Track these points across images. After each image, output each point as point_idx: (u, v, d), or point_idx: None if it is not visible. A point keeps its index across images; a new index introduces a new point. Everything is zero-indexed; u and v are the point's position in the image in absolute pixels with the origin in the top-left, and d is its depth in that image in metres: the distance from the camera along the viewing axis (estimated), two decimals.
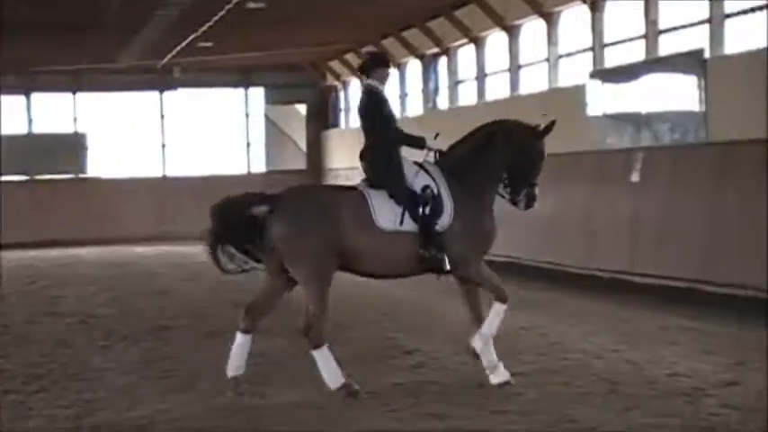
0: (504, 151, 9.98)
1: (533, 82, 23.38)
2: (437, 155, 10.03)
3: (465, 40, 26.22)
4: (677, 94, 17.06)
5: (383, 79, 10.05)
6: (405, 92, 31.51)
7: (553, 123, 10.10)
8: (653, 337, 12.16)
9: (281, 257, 9.46)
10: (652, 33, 18.45)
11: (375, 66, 10.01)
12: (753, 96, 14.61)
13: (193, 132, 37.85)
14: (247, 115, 38.21)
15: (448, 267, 9.67)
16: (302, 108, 38.84)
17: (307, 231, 9.35)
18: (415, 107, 30.84)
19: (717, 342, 11.58)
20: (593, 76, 19.90)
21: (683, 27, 17.83)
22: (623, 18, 19.69)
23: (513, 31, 23.90)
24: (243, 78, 37.77)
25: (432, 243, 9.55)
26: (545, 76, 22.48)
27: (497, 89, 25.26)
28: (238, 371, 9.56)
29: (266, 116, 38.42)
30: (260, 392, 9.68)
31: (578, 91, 20.19)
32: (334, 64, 35.90)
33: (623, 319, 13.73)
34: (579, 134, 19.95)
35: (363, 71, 10.07)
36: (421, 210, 9.54)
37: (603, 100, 19.40)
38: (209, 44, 28.88)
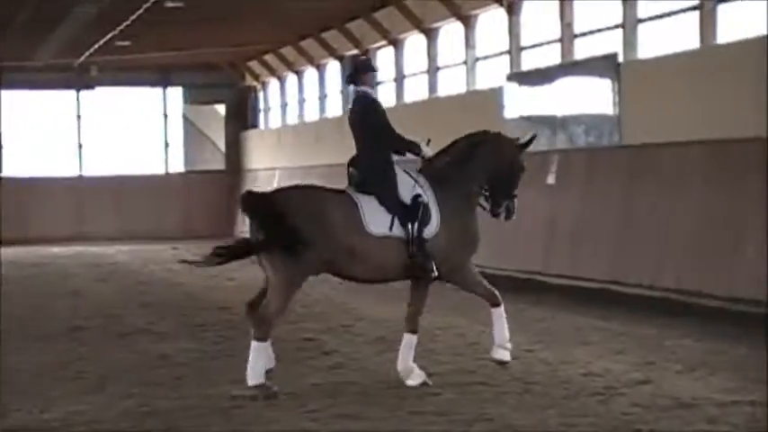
0: (486, 162, 10.12)
1: (451, 84, 23.54)
2: (422, 163, 10.12)
3: (384, 42, 26.32)
4: (592, 97, 17.31)
5: (371, 84, 10.20)
6: (324, 93, 31.51)
7: (533, 137, 10.38)
8: (567, 337, 12.33)
9: (263, 254, 9.51)
10: (567, 37, 18.71)
11: (363, 72, 10.08)
12: (665, 100, 14.88)
13: (111, 132, 37.50)
14: (165, 115, 37.97)
15: (435, 274, 9.81)
16: (221, 108, 38.65)
17: (292, 237, 9.32)
18: (334, 108, 30.85)
19: (628, 342, 11.76)
20: (509, 78, 20.10)
21: (598, 31, 18.10)
22: (539, 22, 19.92)
23: (431, 34, 24.05)
24: (161, 78, 37.50)
25: (420, 250, 9.66)
26: (463, 79, 22.65)
27: (416, 91, 25.39)
28: (260, 378, 9.48)
29: (185, 116, 38.22)
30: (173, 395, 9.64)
31: (495, 93, 20.39)
32: (254, 64, 35.81)
33: (538, 319, 13.88)
34: None
35: (352, 80, 10.12)
36: (411, 218, 9.64)
37: (520, 103, 19.61)
38: (126, 43, 28.67)
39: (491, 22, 21.70)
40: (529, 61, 20.33)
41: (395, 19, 24.93)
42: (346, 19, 27.16)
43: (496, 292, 10.25)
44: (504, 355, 10.16)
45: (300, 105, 33.57)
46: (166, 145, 38.02)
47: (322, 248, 9.43)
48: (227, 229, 35.69)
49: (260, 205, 9.62)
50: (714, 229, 14.03)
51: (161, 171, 37.87)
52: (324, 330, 13.44)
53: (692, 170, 14.49)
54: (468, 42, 22.36)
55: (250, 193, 9.93)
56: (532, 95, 19.23)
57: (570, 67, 18.24)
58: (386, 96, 27.27)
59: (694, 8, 15.41)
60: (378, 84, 27.57)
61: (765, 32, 13.88)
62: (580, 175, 17.40)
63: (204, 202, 36.79)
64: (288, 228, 9.31)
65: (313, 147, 30.79)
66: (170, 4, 22.85)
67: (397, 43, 25.96)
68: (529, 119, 19.31)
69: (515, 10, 20.42)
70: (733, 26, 14.89)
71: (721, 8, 15.07)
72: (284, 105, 35.15)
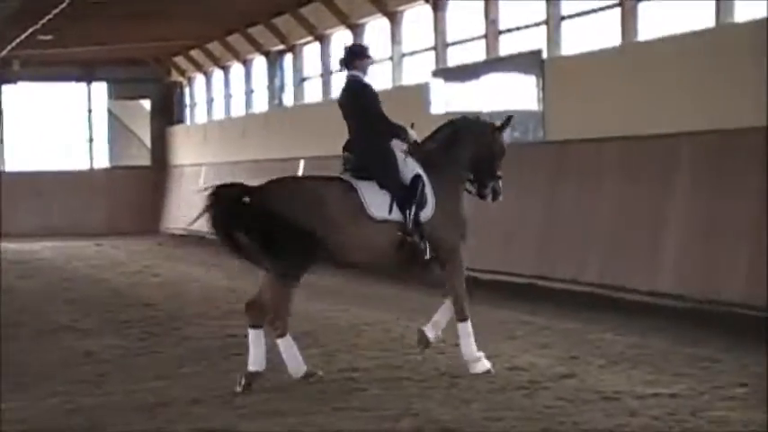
0: (469, 146, 10.33)
1: (377, 80, 23.55)
2: (410, 147, 10.16)
3: (310, 38, 26.29)
4: (517, 93, 17.44)
5: (365, 70, 10.19)
6: (250, 89, 31.40)
7: (510, 118, 10.61)
8: (493, 331, 12.38)
9: (263, 248, 9.56)
10: (492, 33, 18.83)
11: (354, 57, 10.14)
12: (588, 96, 15.03)
13: (34, 127, 37.04)
14: (90, 110, 37.56)
15: (428, 256, 9.89)
16: (146, 104, 38.35)
17: (291, 227, 9.38)
18: (260, 104, 30.75)
19: (553, 336, 11.88)
20: (435, 74, 20.18)
21: (522, 28, 18.25)
22: (465, 18, 20.02)
23: (357, 30, 24.06)
24: (85, 73, 37.12)
25: (417, 232, 9.76)
26: (389, 75, 22.69)
27: (343, 86, 25.35)
28: (259, 366, 9.59)
29: (109, 111, 37.84)
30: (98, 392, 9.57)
31: (421, 89, 20.46)
32: (179, 59, 35.59)
33: None
34: (422, 132, 20.16)
35: (344, 64, 10.17)
36: (411, 199, 9.76)
37: (446, 98, 19.69)
38: (49, 37, 28.30)
39: (417, 18, 21.77)
40: (454, 57, 20.43)
41: (321, 14, 24.91)
42: (272, 14, 27.09)
43: (466, 305, 10.24)
44: (480, 366, 10.01)
45: (227, 101, 33.42)
46: (90, 140, 37.64)
47: (323, 237, 9.48)
48: (153, 226, 35.46)
49: (253, 201, 9.57)
50: (635, 224, 14.22)
51: (85, 167, 37.48)
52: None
53: (614, 166, 14.67)
54: (395, 38, 22.41)
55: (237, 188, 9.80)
56: (458, 91, 19.33)
57: (495, 63, 18.36)
58: (312, 92, 27.31)
59: (616, 5, 15.60)
60: (304, 79, 27.63)
61: (685, 30, 14.09)
62: (505, 171, 17.46)
63: (129, 198, 36.48)
64: (286, 220, 9.35)
65: (239, 142, 30.69)
66: None
67: (323, 39, 25.94)
68: (455, 114, 19.37)
69: (441, 6, 20.50)
70: (654, 24, 15.09)
71: (642, 6, 15.28)
72: (210, 101, 34.97)
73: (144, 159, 38.07)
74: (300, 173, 25.78)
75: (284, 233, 9.38)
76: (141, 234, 33.68)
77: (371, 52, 10.46)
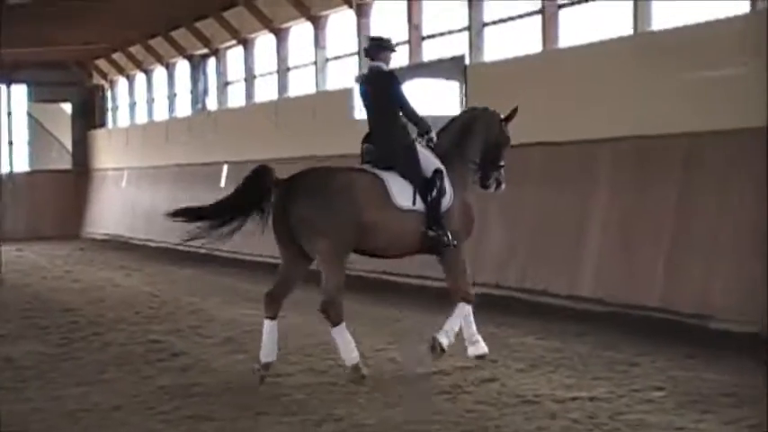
0: (480, 138, 10.79)
1: (302, 84, 23.58)
2: (429, 141, 10.46)
3: (234, 42, 26.22)
4: (440, 98, 17.52)
5: (387, 61, 10.41)
6: (173, 92, 31.21)
7: (516, 110, 11.00)
8: (416, 336, 12.44)
9: (299, 236, 9.76)
10: (415, 39, 18.93)
11: (379, 48, 10.38)
12: (510, 102, 15.11)
13: None
14: (9, 113, 37.02)
15: (454, 244, 10.21)
16: (68, 107, 37.92)
17: (329, 210, 9.65)
18: (183, 108, 30.58)
19: None
20: (359, 79, 20.21)
21: (445, 33, 18.36)
22: (388, 23, 20.08)
23: (281, 34, 24.04)
24: (4, 75, 36.51)
25: (438, 222, 10.10)
26: (312, 79, 22.71)
27: (266, 91, 25.37)
28: (270, 357, 9.89)
29: (30, 114, 37.34)
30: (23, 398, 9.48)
31: (345, 94, 20.49)
32: (101, 62, 35.25)
33: (390, 319, 14.02)
34: (346, 137, 20.23)
35: (368, 55, 10.42)
36: (432, 190, 10.07)
37: None
38: None
39: (341, 23, 21.81)
40: None
41: (245, 19, 24.85)
42: (196, 18, 26.96)
43: (471, 289, 10.67)
44: (479, 348, 10.51)
45: (149, 105, 33.18)
46: (10, 144, 37.10)
47: (354, 225, 9.77)
48: (74, 230, 35.08)
49: (291, 188, 9.84)
50: (556, 230, 14.36)
51: (5, 170, 36.96)
52: (172, 332, 13.35)
53: (536, 171, 14.80)
54: (318, 43, 22.42)
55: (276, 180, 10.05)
56: None
57: (418, 68, 18.44)
58: (235, 96, 27.23)
59: (538, 12, 15.76)
60: (227, 83, 27.55)
61: (604, 37, 14.28)
62: None
63: (50, 203, 36.04)
64: (323, 207, 9.65)
65: (162, 146, 30.49)
66: (13, 1, 22.33)
67: (247, 43, 25.88)
68: None
69: (364, 11, 20.57)
70: (574, 30, 15.28)
71: (563, 12, 15.46)
72: (133, 104, 34.69)
73: (65, 163, 37.64)
74: (224, 177, 25.71)
75: (323, 217, 9.65)
76: (63, 239, 33.32)
77: (394, 44, 10.64)
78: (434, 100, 17.72)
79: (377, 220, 9.89)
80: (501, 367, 10.33)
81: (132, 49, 32.22)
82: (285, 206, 9.82)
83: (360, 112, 19.71)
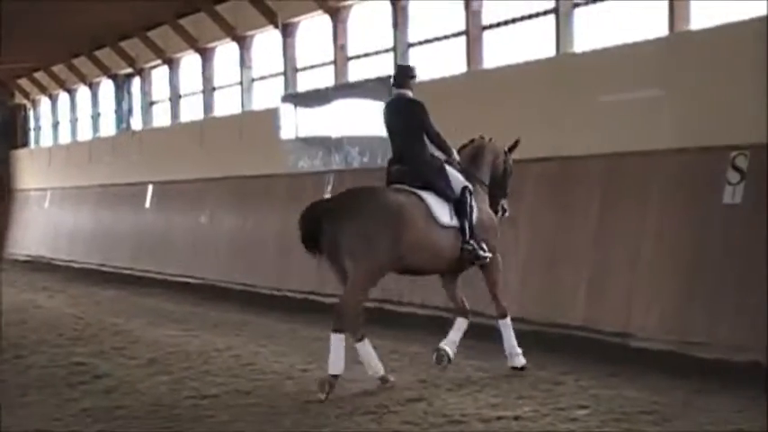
0: (489, 165, 11.50)
1: (227, 104, 23.53)
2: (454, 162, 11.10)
3: (159, 61, 26.08)
4: (366, 118, 17.58)
5: (412, 89, 10.94)
6: (97, 112, 30.96)
7: (518, 141, 11.70)
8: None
9: (347, 255, 10.01)
10: (341, 59, 18.99)
11: (406, 77, 10.93)
12: (435, 122, 15.21)
13: None
14: None
15: (486, 254, 10.75)
16: None
17: (378, 229, 9.98)
18: (107, 128, 30.34)
19: (401, 360, 11.99)
20: (285, 99, 20.23)
21: (371, 54, 18.44)
22: (314, 44, 20.14)
23: (206, 54, 23.98)
24: None
25: (473, 236, 10.66)
26: (238, 99, 22.67)
27: (191, 111, 25.27)
28: (339, 370, 10.08)
29: None
30: None
31: (271, 114, 20.49)
32: (23, 82, 34.87)
33: (314, 338, 13.96)
34: (272, 157, 20.23)
35: (395, 83, 10.95)
36: (463, 207, 10.64)
37: (296, 123, 19.75)
38: None
39: (266, 43, 21.81)
40: (304, 82, 20.53)
41: (170, 38, 24.76)
42: (120, 37, 26.80)
43: (505, 304, 11.17)
44: (518, 361, 11.05)
45: (73, 124, 32.87)
46: None
47: (399, 243, 10.10)
48: None
49: (340, 208, 10.14)
50: None
51: None
52: (95, 354, 13.21)
53: None
54: (244, 63, 22.40)
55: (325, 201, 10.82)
56: (308, 116, 19.41)
57: (345, 88, 18.49)
58: (160, 116, 27.09)
59: (462, 33, 15.90)
60: (152, 103, 27.40)
61: (528, 59, 14.44)
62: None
63: None
64: (372, 222, 9.97)
65: (86, 167, 30.21)
66: None
67: (172, 63, 25.76)
68: (305, 140, 19.49)
69: (290, 32, 20.59)
70: (499, 52, 15.43)
71: (487, 34, 15.61)
72: (56, 124, 34.35)
73: None
74: (148, 198, 25.54)
75: (371, 234, 9.95)
76: None
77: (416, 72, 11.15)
78: (361, 120, 17.79)
79: (421, 237, 10.31)
80: (428, 387, 10.36)
81: (55, 69, 31.93)
82: (333, 227, 10.04)
83: (286, 132, 19.79)
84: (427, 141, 10.84)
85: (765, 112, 10.89)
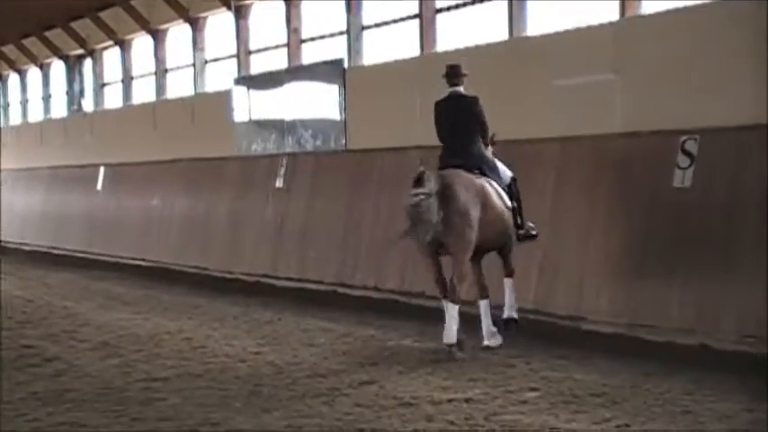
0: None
1: (180, 86, 23.39)
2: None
3: (110, 43, 25.88)
4: (319, 101, 17.56)
5: (463, 85, 11.68)
6: (48, 94, 30.68)
7: (494, 135, 11.96)
8: (294, 339, 12.48)
9: (444, 233, 10.77)
10: (294, 42, 18.93)
11: (458, 75, 11.64)
12: (388, 106, 15.25)
13: None
14: None
15: (536, 233, 11.90)
16: None
17: (469, 205, 10.91)
18: (59, 109, 30.09)
19: (353, 343, 12.01)
20: (238, 82, 20.15)
21: (325, 36, 18.40)
22: (267, 26, 20.06)
23: (158, 35, 23.82)
24: None
25: (523, 218, 11.71)
26: (191, 82, 22.55)
27: (143, 93, 25.11)
28: (452, 339, 10.97)
29: None
30: None
31: (224, 96, 20.40)
32: None
33: (267, 321, 13.99)
34: (225, 139, 20.16)
35: (449, 80, 11.66)
36: (513, 193, 11.66)
37: (249, 106, 19.69)
38: None
39: (219, 25, 21.69)
40: (257, 65, 20.46)
41: (122, 19, 24.56)
42: (71, 18, 26.55)
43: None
44: (512, 313, 11.80)
45: (23, 106, 32.56)
46: None
47: (484, 218, 11.08)
48: None
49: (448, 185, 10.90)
50: None
51: None
52: (45, 336, 13.14)
53: (409, 174, 14.80)
54: (197, 45, 22.27)
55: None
56: (261, 99, 19.35)
57: (298, 71, 18.44)
58: (112, 98, 26.89)
59: (416, 16, 15.89)
60: (104, 85, 27.19)
61: (479, 42, 14.46)
62: (307, 179, 17.62)
63: None
64: (467, 201, 10.89)
65: (37, 148, 29.95)
66: None
67: (124, 44, 25.57)
68: (258, 122, 19.43)
69: (243, 14, 20.49)
70: (450, 35, 15.45)
71: (440, 17, 15.62)
72: (6, 106, 34.01)
73: None
74: (100, 180, 25.37)
75: (467, 210, 10.87)
76: None
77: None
78: (314, 103, 17.76)
79: (496, 215, 11.31)
80: (379, 370, 10.39)
81: (5, 49, 31.59)
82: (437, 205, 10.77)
83: (238, 115, 19.73)
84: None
85: (716, 97, 10.99)
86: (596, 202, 12.22)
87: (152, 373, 10.42)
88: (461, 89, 11.66)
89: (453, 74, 11.68)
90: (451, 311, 10.91)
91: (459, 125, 11.51)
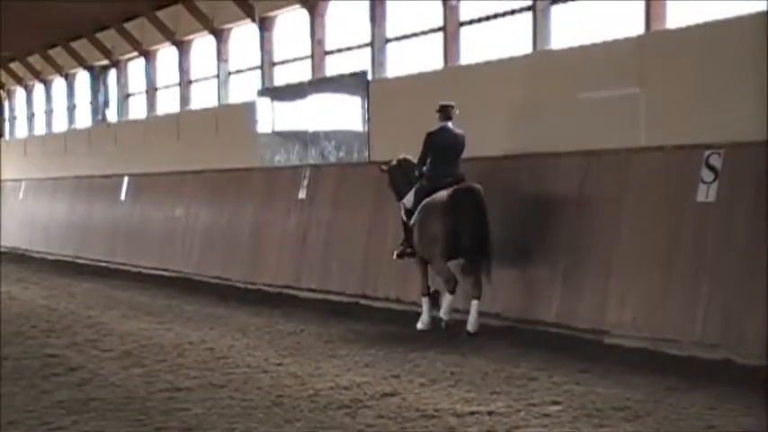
0: None
1: (204, 97, 23.49)
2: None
3: (135, 53, 26.01)
4: (343, 113, 17.60)
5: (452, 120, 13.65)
6: (73, 104, 30.85)
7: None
8: (317, 350, 12.48)
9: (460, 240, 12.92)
10: (318, 54, 18.98)
11: (450, 112, 13.57)
12: (410, 118, 15.25)
13: None
14: None
15: None
16: None
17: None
18: (83, 119, 30.23)
19: (375, 355, 12.01)
20: (261, 93, 20.21)
21: (349, 49, 18.45)
22: (291, 38, 20.13)
23: (183, 47, 23.93)
24: None
25: None
26: (215, 93, 22.63)
27: (168, 103, 25.22)
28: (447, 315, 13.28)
29: None
30: None
31: (247, 108, 20.46)
32: None
33: (289, 332, 13.99)
34: (248, 151, 20.21)
35: (444, 115, 13.58)
36: None
37: (272, 117, 19.74)
38: None
39: (244, 36, 21.78)
40: (281, 76, 20.52)
41: (146, 30, 24.70)
42: (97, 28, 26.70)
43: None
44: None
45: (48, 115, 32.74)
46: None
47: None
48: None
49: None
50: None
51: None
52: (69, 346, 13.19)
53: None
54: (221, 56, 22.38)
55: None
56: (285, 110, 19.40)
57: (321, 83, 18.50)
58: (136, 108, 27.01)
59: (439, 30, 15.92)
60: (129, 95, 27.32)
61: (505, 55, 14.47)
62: (330, 190, 17.65)
63: None
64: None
65: (61, 158, 30.10)
66: None
67: (148, 55, 25.69)
68: (281, 134, 19.48)
69: (267, 26, 20.57)
70: (474, 48, 15.47)
71: (464, 30, 15.64)
72: (31, 115, 34.20)
73: None
74: (124, 190, 25.47)
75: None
76: None
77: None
78: (337, 114, 17.80)
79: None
80: (402, 382, 10.38)
81: (31, 59, 31.80)
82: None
83: (262, 126, 19.79)
84: None
85: (740, 112, 10.97)
86: (620, 216, 12.19)
87: (175, 383, 10.44)
88: (450, 124, 13.52)
89: (445, 112, 13.58)
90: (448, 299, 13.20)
91: (454, 153, 13.58)
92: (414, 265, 14.04)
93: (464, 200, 12.86)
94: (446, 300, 13.23)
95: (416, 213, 13.53)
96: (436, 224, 13.07)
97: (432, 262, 13.43)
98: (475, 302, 12.96)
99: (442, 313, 13.28)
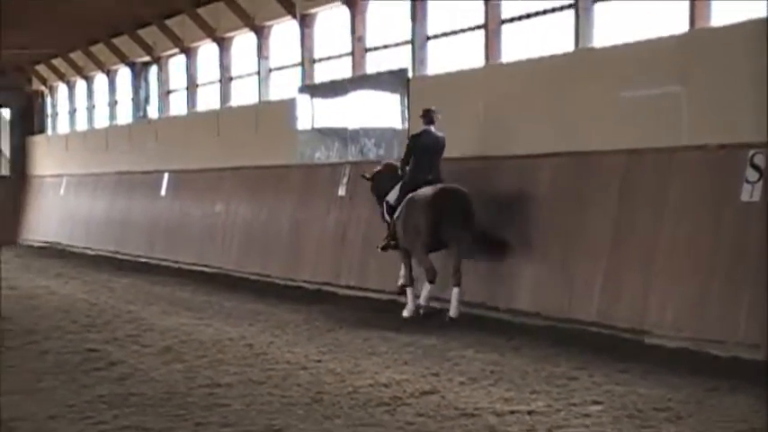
0: None
1: (244, 94, 23.54)
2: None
3: (176, 50, 26.10)
4: (383, 110, 17.59)
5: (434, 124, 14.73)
6: (114, 100, 31.00)
7: None
8: (356, 347, 12.48)
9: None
10: (359, 51, 18.97)
11: (433, 116, 14.59)
12: (451, 115, 15.21)
13: None
14: None
15: None
16: (6, 113, 37.50)
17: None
18: (124, 116, 30.39)
19: (415, 353, 11.98)
20: (302, 90, 20.23)
21: (389, 46, 18.44)
22: (332, 35, 20.13)
23: (224, 43, 23.99)
24: None
25: None
26: (255, 89, 22.68)
27: (208, 100, 25.30)
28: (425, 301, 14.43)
29: None
30: None
31: (288, 105, 20.49)
32: (41, 68, 34.94)
33: (328, 329, 14.00)
34: (288, 147, 20.24)
35: (428, 119, 14.64)
36: None
37: (312, 114, 19.76)
38: None
39: (284, 33, 21.81)
40: (321, 73, 20.53)
41: (187, 27, 24.78)
42: (138, 25, 26.83)
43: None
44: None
45: (89, 111, 32.93)
46: None
47: None
48: (11, 237, 34.72)
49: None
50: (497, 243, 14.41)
51: None
52: (109, 341, 13.26)
53: (475, 184, 14.76)
54: (261, 53, 22.40)
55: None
56: (325, 107, 19.42)
57: (362, 80, 18.49)
58: (178, 105, 27.11)
59: (481, 27, 15.87)
60: (169, 92, 27.43)
61: (547, 53, 14.41)
62: (369, 188, 17.61)
63: None
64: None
65: (102, 154, 30.28)
66: None
67: (189, 51, 25.78)
68: (321, 131, 19.49)
69: (308, 22, 20.58)
70: (517, 45, 15.40)
71: (505, 27, 15.57)
72: (73, 111, 34.42)
73: (3, 169, 37.24)
74: (164, 186, 25.58)
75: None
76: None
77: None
78: (377, 112, 17.79)
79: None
80: (441, 380, 10.35)
81: (73, 55, 31.98)
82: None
83: (302, 123, 19.81)
84: None
85: None
86: (662, 216, 12.11)
87: (215, 379, 10.47)
88: (433, 128, 14.56)
89: (428, 116, 14.58)
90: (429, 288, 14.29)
91: (435, 154, 14.65)
92: (398, 258, 15.01)
93: (447, 197, 13.92)
94: (425, 289, 14.27)
95: (400, 208, 14.56)
96: (419, 217, 14.01)
97: (414, 253, 14.41)
98: (456, 290, 13.85)
99: (422, 300, 14.37)
